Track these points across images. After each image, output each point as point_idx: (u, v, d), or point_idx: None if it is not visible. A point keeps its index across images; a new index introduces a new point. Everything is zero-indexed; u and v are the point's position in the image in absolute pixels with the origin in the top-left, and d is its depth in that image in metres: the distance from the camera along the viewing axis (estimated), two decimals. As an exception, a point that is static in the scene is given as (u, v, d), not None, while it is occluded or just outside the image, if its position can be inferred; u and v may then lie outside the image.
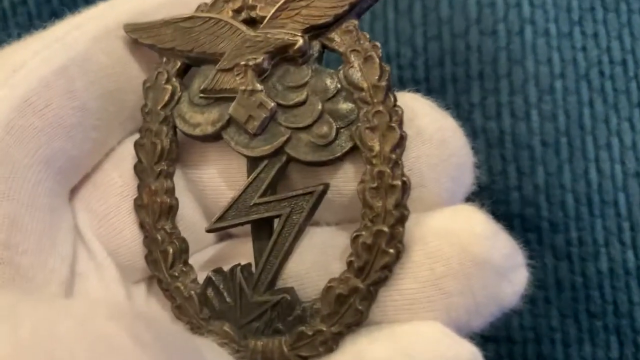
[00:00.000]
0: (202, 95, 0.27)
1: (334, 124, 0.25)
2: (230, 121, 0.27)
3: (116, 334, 0.18)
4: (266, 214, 0.27)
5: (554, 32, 0.35)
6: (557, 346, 0.34)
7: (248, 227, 0.28)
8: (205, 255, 0.30)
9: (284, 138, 0.26)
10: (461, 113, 0.35)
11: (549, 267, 0.34)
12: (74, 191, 0.29)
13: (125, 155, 0.29)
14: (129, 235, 0.28)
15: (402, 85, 0.36)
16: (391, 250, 0.25)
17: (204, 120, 0.27)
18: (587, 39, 0.35)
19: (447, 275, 0.24)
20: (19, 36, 0.28)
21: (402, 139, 0.25)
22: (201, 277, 0.28)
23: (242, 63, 0.26)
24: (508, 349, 0.35)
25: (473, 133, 0.35)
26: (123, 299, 0.28)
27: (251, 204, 0.27)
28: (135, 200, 0.28)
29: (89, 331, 0.18)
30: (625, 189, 0.34)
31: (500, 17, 0.35)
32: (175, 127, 0.28)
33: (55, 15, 0.29)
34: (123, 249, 0.28)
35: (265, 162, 0.27)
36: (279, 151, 0.26)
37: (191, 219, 0.29)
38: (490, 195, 0.32)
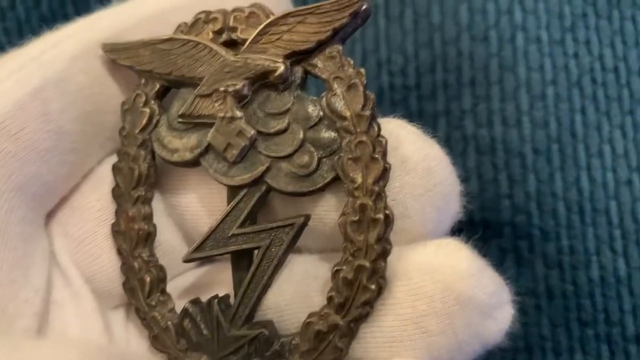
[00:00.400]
0: (180, 120, 0.26)
1: (315, 153, 0.25)
2: (209, 148, 0.26)
3: None
4: (244, 246, 0.26)
5: (545, 38, 0.35)
6: (548, 355, 0.34)
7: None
8: (185, 280, 0.29)
9: (264, 167, 0.25)
10: (452, 120, 0.35)
11: (539, 275, 0.34)
12: (50, 215, 0.27)
13: (104, 178, 0.27)
14: (107, 261, 0.27)
15: (394, 92, 0.36)
16: (372, 286, 0.24)
17: (182, 146, 0.26)
18: (579, 46, 0.35)
19: (430, 314, 0.24)
20: (9, 43, 0.27)
21: (386, 170, 0.24)
22: (179, 305, 0.27)
23: (222, 89, 0.25)
24: (499, 357, 0.34)
25: (464, 140, 0.35)
26: (100, 328, 0.27)
27: (229, 234, 0.26)
28: (113, 225, 0.27)
29: None
30: (617, 197, 0.34)
31: (491, 23, 0.35)
32: (153, 151, 0.27)
33: (44, 20, 0.28)
34: (100, 275, 0.27)
35: (245, 191, 0.26)
36: (258, 180, 0.25)
37: (170, 244, 0.29)
38: (481, 203, 0.32)
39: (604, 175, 0.34)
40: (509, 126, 0.34)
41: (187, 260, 0.27)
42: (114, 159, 0.28)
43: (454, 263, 0.24)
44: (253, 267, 0.26)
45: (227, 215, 0.26)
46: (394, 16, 0.36)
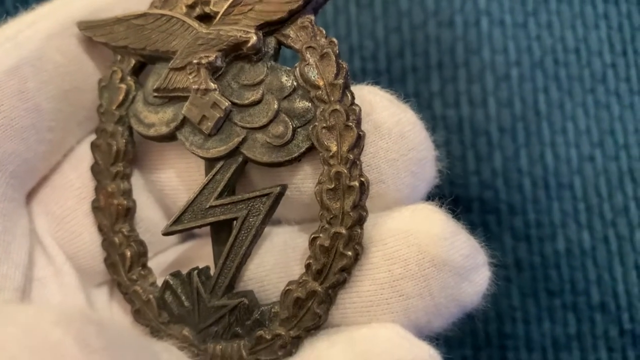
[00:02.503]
0: (155, 95, 0.25)
1: (290, 123, 0.24)
2: (184, 121, 0.25)
3: (62, 341, 0.17)
4: (222, 217, 0.25)
5: (509, 22, 0.34)
6: (518, 324, 0.33)
7: (209, 227, 0.26)
8: (167, 256, 0.28)
9: (239, 138, 0.24)
10: (421, 101, 0.34)
11: (508, 248, 0.33)
12: (31, 194, 0.26)
13: (84, 156, 0.26)
14: (88, 238, 0.26)
15: (365, 76, 0.35)
16: (349, 253, 0.23)
17: (158, 120, 0.25)
18: (542, 29, 0.34)
19: (405, 277, 0.23)
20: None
21: (360, 138, 0.23)
22: (161, 280, 0.26)
23: (195, 61, 0.24)
24: (470, 328, 0.33)
25: (433, 121, 0.34)
26: (82, 304, 0.26)
27: (207, 206, 0.25)
28: (93, 202, 0.26)
29: (34, 338, 0.17)
30: (581, 172, 0.33)
31: (457, 8, 0.34)
32: (131, 127, 0.26)
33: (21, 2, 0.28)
34: (82, 252, 0.26)
35: (221, 163, 0.25)
36: (234, 152, 0.24)
37: (152, 220, 0.27)
38: (449, 180, 0.32)
39: (567, 151, 0.34)
40: (475, 106, 0.34)
41: (166, 233, 0.25)
42: (93, 138, 0.26)
43: (428, 227, 0.23)
44: (231, 238, 0.25)
45: (204, 188, 0.25)
46: (365, 3, 0.35)
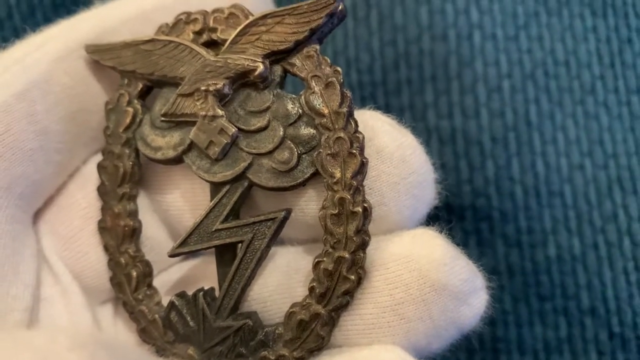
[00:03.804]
0: (163, 119, 0.25)
1: (295, 149, 0.24)
2: (191, 145, 0.25)
3: None
4: (228, 240, 0.25)
5: (500, 36, 0.34)
6: (510, 328, 0.33)
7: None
8: (171, 275, 0.28)
9: (246, 164, 0.24)
10: (416, 113, 0.34)
11: (500, 254, 0.33)
12: (38, 214, 0.26)
13: (90, 176, 0.26)
14: (94, 258, 0.26)
15: (362, 87, 0.35)
16: (352, 277, 0.23)
17: (165, 144, 0.25)
18: (532, 42, 0.34)
19: (407, 301, 0.23)
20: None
21: (363, 165, 0.23)
22: (166, 299, 0.26)
23: (203, 88, 0.24)
24: None
25: (427, 131, 0.34)
26: (89, 323, 0.26)
27: (213, 229, 0.25)
28: (99, 222, 0.26)
29: None
30: (571, 181, 0.33)
31: (450, 23, 0.34)
32: (137, 150, 0.26)
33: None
34: (88, 271, 0.26)
35: (228, 187, 0.25)
36: (240, 177, 0.24)
37: (156, 239, 0.27)
38: (444, 188, 0.32)
39: (557, 160, 0.33)
40: (468, 117, 0.34)
41: (172, 255, 0.25)
42: (99, 158, 0.26)
43: (429, 252, 0.23)
44: (237, 261, 0.25)
45: (210, 211, 0.25)
46: (361, 17, 0.35)
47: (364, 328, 0.24)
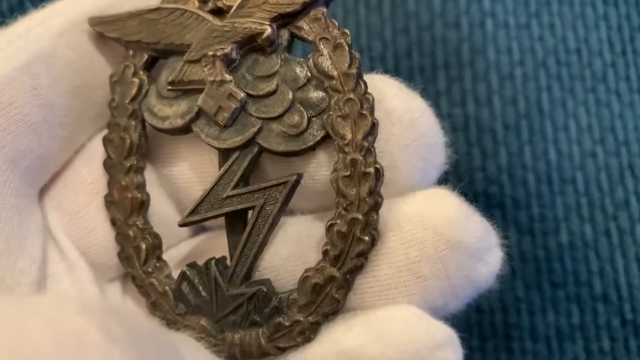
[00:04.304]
0: (170, 87, 0.24)
1: (305, 113, 0.23)
2: (199, 113, 0.24)
3: (86, 330, 0.16)
4: (239, 206, 0.24)
5: (513, 24, 0.34)
6: (523, 315, 0.33)
7: (222, 219, 0.25)
8: (180, 250, 0.27)
9: (255, 129, 0.24)
10: (428, 101, 0.35)
11: (513, 241, 0.33)
12: (44, 190, 0.26)
13: (95, 152, 0.26)
14: (101, 233, 0.26)
15: None
16: (366, 238, 0.23)
17: (172, 113, 0.25)
18: (544, 30, 0.34)
19: (422, 259, 0.23)
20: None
21: (374, 126, 0.23)
22: (176, 273, 0.25)
23: (210, 54, 0.24)
24: (477, 318, 0.33)
25: (440, 118, 0.33)
26: (96, 297, 0.25)
27: (224, 196, 0.24)
28: (106, 196, 0.25)
29: (58, 327, 0.16)
30: (583, 168, 0.33)
31: (462, 10, 0.34)
32: (143, 121, 0.25)
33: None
34: (95, 247, 0.26)
35: (237, 153, 0.24)
36: (250, 142, 0.24)
37: (164, 214, 0.27)
38: (456, 175, 0.32)
39: (569, 147, 0.33)
40: (480, 104, 0.34)
41: (182, 224, 0.25)
42: (104, 134, 0.26)
43: (443, 210, 0.23)
44: (249, 227, 0.24)
45: (220, 178, 0.24)
46: (373, 5, 0.35)
47: (379, 290, 0.23)
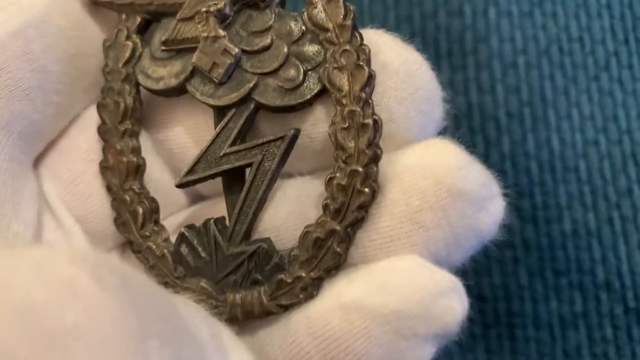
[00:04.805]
0: (163, 48, 0.24)
1: (301, 66, 0.23)
2: (194, 72, 0.24)
3: (77, 277, 0.16)
4: (237, 163, 0.24)
5: (516, 12, 0.34)
6: (526, 303, 0.33)
7: (219, 187, 0.25)
8: (177, 218, 0.26)
9: (251, 84, 0.23)
10: None
11: (516, 229, 0.32)
12: (39, 159, 0.25)
13: (90, 120, 0.25)
14: (97, 200, 0.25)
15: None
16: (366, 190, 0.22)
17: (166, 73, 0.24)
18: (547, 18, 0.34)
19: (424, 208, 0.22)
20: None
21: (371, 77, 0.22)
22: (173, 239, 0.25)
23: (203, 10, 0.23)
24: (479, 306, 0.33)
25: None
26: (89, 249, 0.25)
27: (221, 154, 0.24)
28: (101, 162, 0.25)
29: (48, 275, 0.16)
30: (585, 156, 0.33)
31: None
32: (138, 85, 0.25)
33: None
34: (92, 215, 0.25)
35: (233, 111, 0.24)
36: (246, 98, 0.23)
37: (160, 181, 0.26)
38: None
39: (572, 136, 0.33)
40: (483, 93, 0.33)
41: (179, 185, 0.24)
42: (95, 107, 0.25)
43: (443, 158, 0.22)
44: (247, 184, 0.23)
45: (217, 137, 0.24)
46: None
47: (381, 242, 0.23)
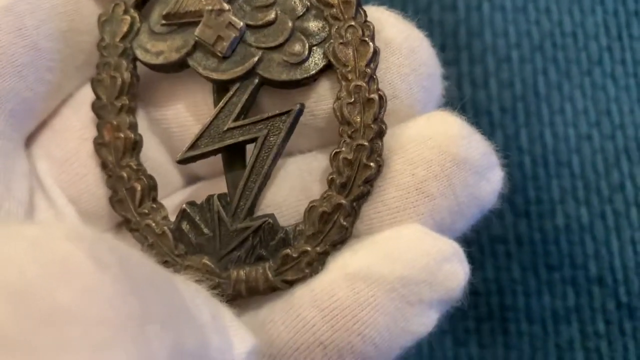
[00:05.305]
0: (164, 22, 0.24)
1: (306, 41, 0.23)
2: (196, 46, 0.23)
3: (73, 255, 0.15)
4: (241, 138, 0.23)
5: (509, 7, 0.34)
6: (519, 297, 0.33)
7: (215, 167, 0.24)
8: (173, 200, 0.26)
9: (255, 59, 0.23)
10: None
11: (509, 224, 0.33)
12: (32, 139, 0.25)
13: (84, 100, 0.25)
14: (92, 180, 0.25)
15: None
16: (372, 164, 0.22)
17: (167, 47, 0.24)
18: (540, 14, 0.34)
19: (429, 178, 0.22)
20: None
21: (376, 53, 0.23)
22: (173, 218, 0.24)
23: None
24: (473, 300, 0.32)
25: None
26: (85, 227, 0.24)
27: (225, 129, 0.23)
28: (95, 139, 0.24)
29: (43, 252, 0.15)
30: (579, 151, 0.33)
31: None
32: (135, 61, 0.24)
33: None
34: (87, 195, 0.25)
35: (237, 85, 0.23)
36: (250, 73, 0.23)
37: (156, 161, 0.25)
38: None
39: (565, 130, 0.33)
40: (477, 87, 0.33)
41: (181, 160, 0.24)
42: (89, 86, 0.25)
43: (446, 128, 0.23)
44: (252, 159, 0.23)
45: (220, 111, 0.23)
46: None
47: (387, 214, 0.23)
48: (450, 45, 0.34)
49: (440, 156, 0.22)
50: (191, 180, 0.27)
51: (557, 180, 0.33)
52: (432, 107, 0.24)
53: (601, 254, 0.33)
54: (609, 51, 0.34)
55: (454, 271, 0.22)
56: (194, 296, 0.20)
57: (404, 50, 0.23)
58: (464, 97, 0.34)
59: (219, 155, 0.24)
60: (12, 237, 0.16)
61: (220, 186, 0.24)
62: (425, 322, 0.22)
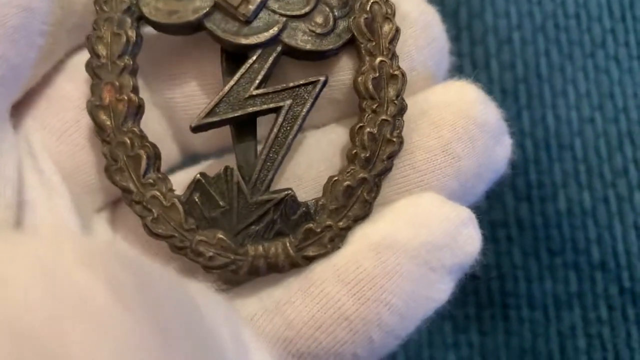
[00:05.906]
0: None
1: (330, 13, 0.22)
2: (214, 8, 0.22)
3: (90, 286, 0.14)
4: (264, 107, 0.22)
5: None
6: (520, 282, 0.32)
7: (219, 142, 0.23)
8: (176, 178, 0.24)
9: (280, 25, 0.22)
10: None
11: (510, 208, 0.32)
12: (25, 111, 0.23)
13: (78, 67, 0.23)
14: (93, 151, 0.23)
15: None
16: (395, 139, 0.22)
17: (182, 7, 0.22)
18: None
19: (455, 139, 0.23)
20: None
21: (398, 31, 0.23)
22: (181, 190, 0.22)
23: None
24: (473, 286, 0.32)
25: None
26: (75, 228, 0.23)
27: (246, 96, 0.22)
28: (91, 101, 0.22)
29: (56, 282, 0.14)
30: (581, 134, 0.32)
31: None
32: (140, 20, 0.22)
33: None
34: (86, 166, 0.23)
35: (258, 52, 0.22)
36: (274, 40, 0.22)
37: (158, 135, 0.24)
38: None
39: (568, 113, 0.32)
40: (478, 68, 0.33)
41: (196, 127, 0.22)
42: (83, 54, 0.23)
43: (464, 94, 0.23)
44: (275, 128, 0.22)
45: (241, 77, 0.22)
46: None
47: (416, 176, 0.23)
48: (450, 26, 0.32)
49: (463, 119, 0.23)
50: (188, 162, 0.26)
51: (559, 164, 0.33)
52: (440, 81, 0.25)
53: (604, 239, 0.32)
54: (613, 33, 0.34)
55: (472, 235, 0.22)
56: (214, 315, 0.19)
57: (420, 23, 0.23)
58: (465, 78, 0.33)
59: (223, 130, 0.23)
60: (13, 254, 0.15)
61: (221, 165, 0.23)
62: (444, 288, 0.22)
